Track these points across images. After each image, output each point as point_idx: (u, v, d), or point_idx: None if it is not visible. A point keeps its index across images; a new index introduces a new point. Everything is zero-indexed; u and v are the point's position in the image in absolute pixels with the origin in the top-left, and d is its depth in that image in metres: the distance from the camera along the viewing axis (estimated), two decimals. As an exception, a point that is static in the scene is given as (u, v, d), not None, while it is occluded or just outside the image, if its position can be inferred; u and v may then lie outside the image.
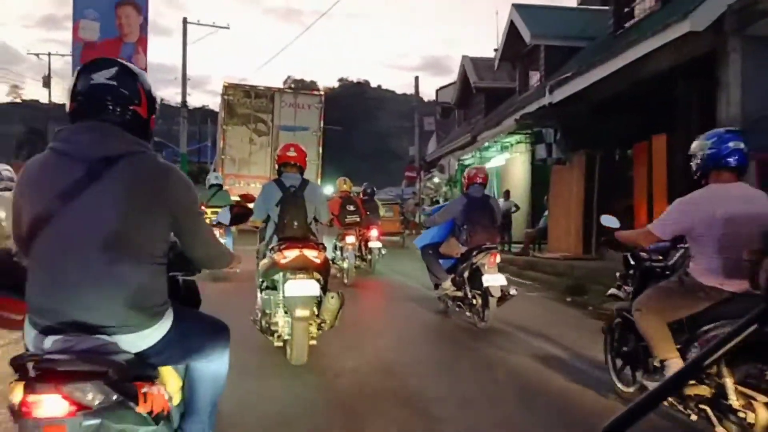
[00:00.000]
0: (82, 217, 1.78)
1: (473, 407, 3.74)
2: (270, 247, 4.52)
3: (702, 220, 3.06)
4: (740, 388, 2.76)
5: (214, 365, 2.17)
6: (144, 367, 1.87)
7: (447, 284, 6.31)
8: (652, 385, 3.28)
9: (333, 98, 30.93)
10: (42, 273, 1.81)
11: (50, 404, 1.60)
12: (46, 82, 34.94)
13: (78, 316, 1.76)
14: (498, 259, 5.98)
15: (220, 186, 9.80)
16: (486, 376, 4.46)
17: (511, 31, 16.97)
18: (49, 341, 1.74)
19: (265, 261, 4.54)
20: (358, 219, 9.70)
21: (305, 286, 4.26)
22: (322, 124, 18.29)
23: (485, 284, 5.73)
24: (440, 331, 6.25)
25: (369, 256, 10.54)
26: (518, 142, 14.51)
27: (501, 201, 15.05)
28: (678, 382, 0.82)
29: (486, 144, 15.87)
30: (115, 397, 1.66)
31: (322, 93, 19.06)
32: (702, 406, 2.94)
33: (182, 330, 1.98)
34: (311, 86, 47.05)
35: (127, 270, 1.81)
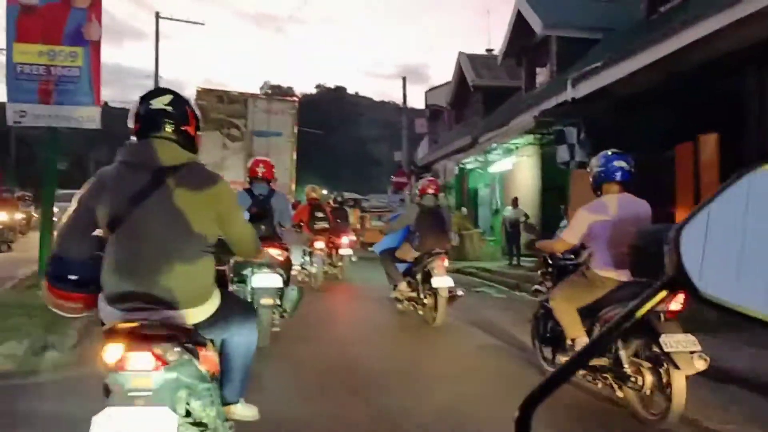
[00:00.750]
0: (150, 216, 2.26)
1: (416, 382, 4.42)
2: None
3: (597, 224, 3.81)
4: (632, 358, 3.62)
5: (245, 339, 2.62)
6: (199, 336, 2.31)
7: (402, 286, 6.96)
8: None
9: (310, 103, 31.35)
10: (119, 261, 2.26)
11: (141, 360, 2.07)
12: None
13: (148, 295, 2.22)
14: (446, 263, 6.57)
15: None
16: (433, 358, 5.29)
17: (518, 22, 15.49)
18: (116, 314, 2.23)
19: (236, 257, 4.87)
20: (326, 225, 10.09)
21: (270, 279, 5.08)
22: (296, 130, 18.77)
23: (434, 285, 6.36)
24: (394, 327, 7.00)
25: (340, 263, 10.94)
26: (527, 144, 13.38)
27: (509, 209, 13.96)
28: (585, 356, 0.91)
29: (490, 146, 14.70)
30: (186, 356, 2.17)
31: (296, 99, 19.41)
32: (604, 375, 3.78)
33: (225, 307, 2.46)
34: (287, 92, 47.57)
35: (187, 258, 2.30)
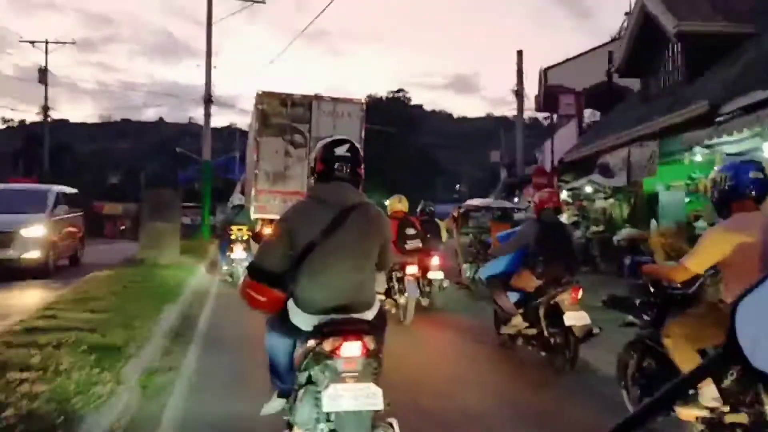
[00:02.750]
0: (339, 244, 3.01)
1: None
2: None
3: (740, 246, 3.24)
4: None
5: (384, 337, 3.19)
6: (378, 332, 3.05)
7: (518, 320, 6.03)
8: (683, 411, 3.45)
9: (376, 108, 30.23)
10: (314, 278, 3.02)
11: (354, 348, 2.84)
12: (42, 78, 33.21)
13: (340, 303, 3.00)
14: (580, 294, 5.71)
15: (242, 206, 12.03)
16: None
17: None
18: (324, 318, 2.95)
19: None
20: (420, 245, 8.48)
21: None
22: (363, 135, 17.57)
23: (567, 323, 5.47)
24: (515, 373, 6.00)
25: (428, 289, 9.20)
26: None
27: None
28: (671, 395, 0.94)
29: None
30: (376, 346, 2.93)
31: (363, 101, 18.31)
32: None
33: (380, 311, 3.21)
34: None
35: (365, 274, 3.15)
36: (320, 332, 2.88)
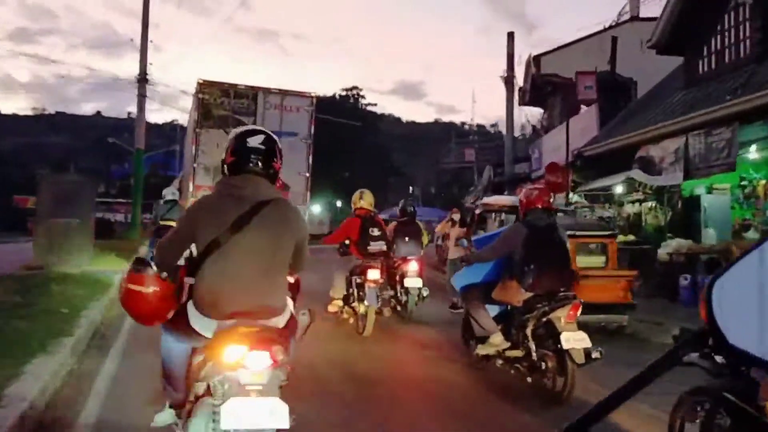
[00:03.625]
0: (248, 241, 2.78)
1: None
2: None
3: None
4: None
5: (293, 347, 2.95)
6: (287, 341, 2.81)
7: (498, 339, 5.24)
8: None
9: (329, 105, 28.95)
10: (217, 280, 2.76)
11: (260, 358, 2.57)
12: None
13: (246, 306, 2.74)
14: (579, 312, 4.92)
15: (176, 201, 10.86)
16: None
17: None
18: (226, 324, 2.72)
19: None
20: (384, 247, 7.69)
21: None
22: (312, 130, 16.58)
23: (565, 346, 4.69)
24: (499, 408, 4.88)
25: (404, 298, 8.35)
26: None
27: None
28: (621, 396, 0.97)
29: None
30: (286, 357, 2.64)
31: (313, 95, 17.35)
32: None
33: (291, 318, 2.99)
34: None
35: (275, 277, 2.91)
36: (222, 339, 2.64)
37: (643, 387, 1.16)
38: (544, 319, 4.91)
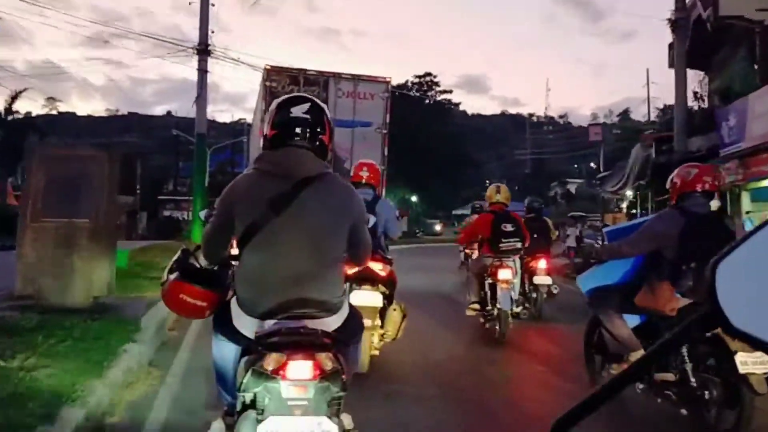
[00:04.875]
0: (290, 225, 2.42)
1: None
2: None
3: None
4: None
5: (357, 349, 2.77)
6: (342, 345, 2.42)
7: (637, 355, 4.29)
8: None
9: (401, 95, 27.24)
10: (256, 271, 2.45)
11: (302, 368, 2.20)
12: None
13: (290, 303, 2.38)
14: None
15: None
16: None
17: None
18: (267, 324, 2.38)
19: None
20: (518, 245, 7.26)
21: (369, 297, 5.01)
22: (388, 119, 15.29)
23: (741, 370, 3.65)
24: None
25: (534, 296, 8.43)
26: None
27: None
28: (621, 383, 0.88)
29: None
30: (337, 365, 2.27)
31: (388, 80, 16.06)
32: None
33: (352, 317, 2.61)
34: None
35: (324, 266, 2.48)
36: (261, 343, 2.30)
37: (646, 372, 1.56)
38: (708, 334, 3.78)
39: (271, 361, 2.23)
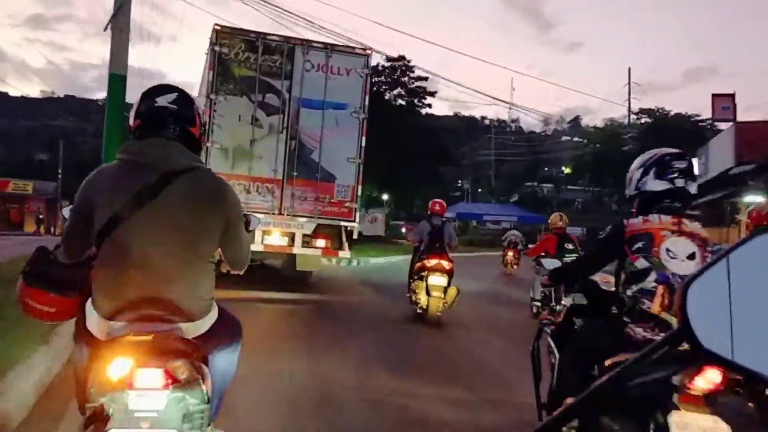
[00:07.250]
0: (154, 218, 2.18)
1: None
2: (422, 256, 9.26)
3: None
4: None
5: (230, 358, 2.46)
6: (204, 352, 2.17)
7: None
8: None
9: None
10: (115, 266, 2.17)
11: (152, 377, 1.93)
12: None
13: (156, 304, 2.13)
14: None
15: None
16: None
17: None
18: (117, 326, 2.12)
19: (417, 263, 9.29)
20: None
21: (440, 279, 8.75)
22: (367, 102, 12.45)
23: None
24: None
25: None
26: None
27: None
28: (583, 404, 0.89)
29: None
30: (195, 375, 2.01)
31: (368, 52, 13.21)
32: None
33: (220, 323, 2.37)
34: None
35: (189, 266, 2.23)
36: (107, 349, 2.06)
37: (623, 383, 1.07)
38: None
39: (117, 367, 1.96)
